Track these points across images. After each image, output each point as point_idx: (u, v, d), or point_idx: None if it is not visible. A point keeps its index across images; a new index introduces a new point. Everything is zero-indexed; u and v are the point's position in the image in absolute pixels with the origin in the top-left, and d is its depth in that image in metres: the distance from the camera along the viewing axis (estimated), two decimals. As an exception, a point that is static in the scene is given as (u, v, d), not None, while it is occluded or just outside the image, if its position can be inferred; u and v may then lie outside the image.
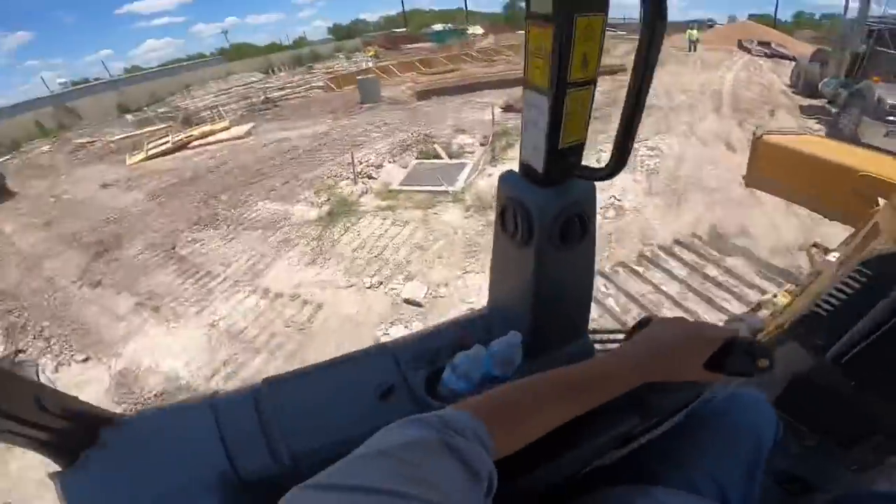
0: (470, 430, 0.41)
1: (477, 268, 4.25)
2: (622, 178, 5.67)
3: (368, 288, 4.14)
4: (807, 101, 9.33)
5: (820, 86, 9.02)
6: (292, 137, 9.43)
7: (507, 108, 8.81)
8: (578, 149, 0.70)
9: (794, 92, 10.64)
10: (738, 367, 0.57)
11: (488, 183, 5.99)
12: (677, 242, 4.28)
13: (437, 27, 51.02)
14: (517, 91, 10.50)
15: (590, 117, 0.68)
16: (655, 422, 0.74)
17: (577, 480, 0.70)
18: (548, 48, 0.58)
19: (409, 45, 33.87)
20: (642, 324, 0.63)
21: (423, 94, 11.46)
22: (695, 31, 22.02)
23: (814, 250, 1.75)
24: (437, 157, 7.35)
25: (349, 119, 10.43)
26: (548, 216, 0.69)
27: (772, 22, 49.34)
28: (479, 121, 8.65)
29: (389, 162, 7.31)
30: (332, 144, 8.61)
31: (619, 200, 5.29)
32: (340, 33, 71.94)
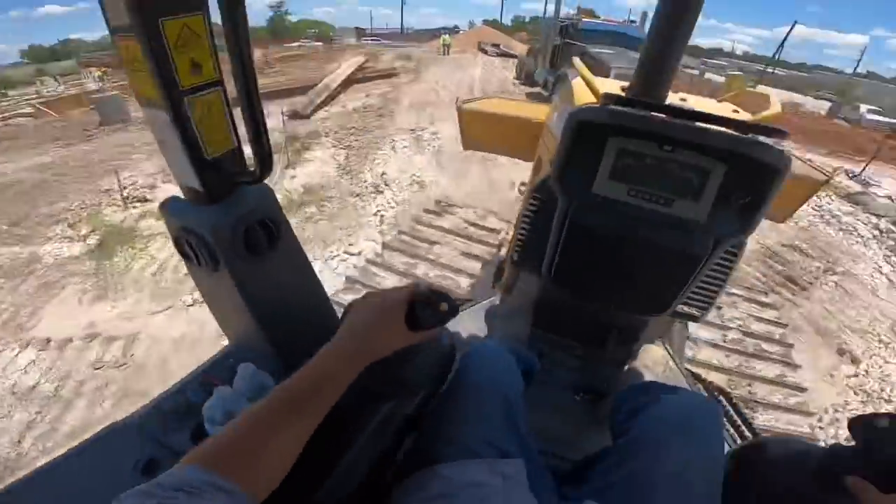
0: (203, 482, 0.39)
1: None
2: (419, 158, 6.72)
3: (191, 306, 3.89)
4: (529, 90, 12.02)
5: (535, 76, 11.65)
6: (7, 171, 7.51)
7: (294, 116, 8.92)
8: (233, 156, 0.68)
9: (520, 83, 13.43)
10: (429, 320, 0.59)
11: (296, 183, 6.17)
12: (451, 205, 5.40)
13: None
14: (302, 98, 10.69)
15: (233, 121, 0.67)
16: (420, 396, 0.73)
17: (369, 485, 0.67)
18: (142, 59, 0.55)
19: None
20: (344, 313, 0.62)
21: None
22: (447, 37, 25.45)
23: (522, 188, 2.03)
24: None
25: (89, 144, 8.81)
26: (224, 234, 0.68)
27: (499, 26, 60.87)
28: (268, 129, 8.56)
29: (165, 182, 6.64)
30: (75, 172, 7.19)
31: (418, 177, 6.23)
32: (42, 56, 56.59)
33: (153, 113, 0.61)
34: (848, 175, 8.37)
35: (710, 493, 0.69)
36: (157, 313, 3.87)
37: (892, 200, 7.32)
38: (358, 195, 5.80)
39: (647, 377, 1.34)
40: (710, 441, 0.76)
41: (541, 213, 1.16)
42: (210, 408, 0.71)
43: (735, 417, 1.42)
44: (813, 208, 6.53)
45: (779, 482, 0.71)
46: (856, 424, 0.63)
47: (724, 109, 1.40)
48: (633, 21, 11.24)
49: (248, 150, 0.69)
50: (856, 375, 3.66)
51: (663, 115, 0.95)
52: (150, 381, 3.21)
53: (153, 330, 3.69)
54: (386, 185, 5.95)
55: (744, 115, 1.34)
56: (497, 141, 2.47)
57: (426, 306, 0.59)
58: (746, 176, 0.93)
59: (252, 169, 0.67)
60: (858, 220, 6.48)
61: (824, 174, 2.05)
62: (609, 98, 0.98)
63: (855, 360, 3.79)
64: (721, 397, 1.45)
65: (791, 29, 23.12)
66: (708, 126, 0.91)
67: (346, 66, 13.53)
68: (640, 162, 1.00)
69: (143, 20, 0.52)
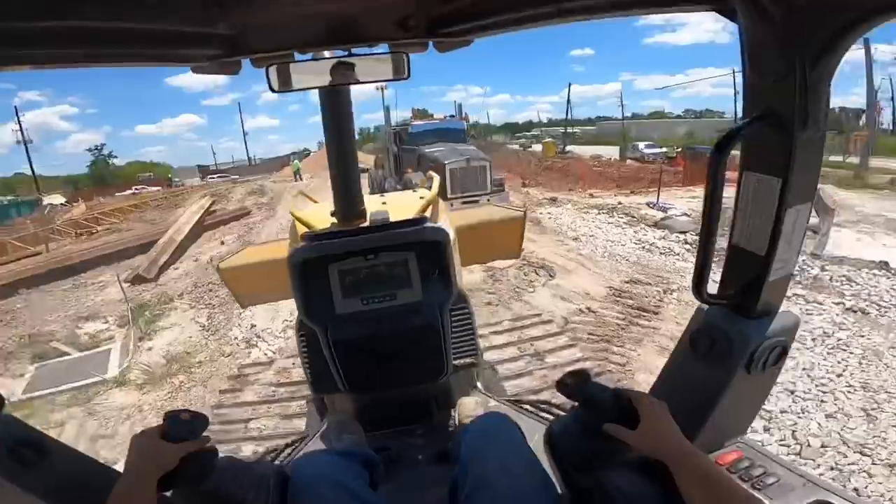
0: None
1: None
2: (289, 302, 6.31)
3: None
4: None
5: (385, 186, 12.07)
6: None
7: (137, 280, 7.97)
8: None
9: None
10: (181, 431, 0.70)
11: (155, 356, 5.41)
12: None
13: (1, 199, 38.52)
14: (138, 260, 9.65)
15: None
16: None
17: None
18: None
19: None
20: None
21: (8, 287, 8.50)
22: (298, 163, 26.03)
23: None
24: (64, 353, 5.86)
25: None
26: None
27: (346, 143, 65.02)
28: (106, 302, 7.44)
29: None
30: None
31: (292, 320, 5.87)
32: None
33: None
34: (650, 206, 10.43)
35: (531, 471, 0.85)
36: None
37: (688, 216, 9.20)
38: (230, 354, 5.24)
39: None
40: (511, 436, 0.95)
41: (310, 344, 1.37)
42: None
43: (549, 411, 1.61)
44: (635, 243, 7.89)
45: (568, 449, 0.82)
46: (559, 389, 0.78)
47: (414, 197, 1.87)
48: (451, 115, 12.38)
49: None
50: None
51: (354, 236, 1.25)
52: None
53: None
54: (258, 336, 5.52)
55: (427, 196, 1.76)
56: (266, 288, 2.34)
57: (174, 423, 0.70)
58: (428, 254, 1.25)
59: None
60: (670, 241, 7.90)
61: (520, 211, 2.57)
62: (309, 236, 1.26)
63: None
64: (520, 406, 1.69)
65: (569, 91, 30.12)
66: (388, 231, 1.23)
67: (190, 214, 12.85)
68: (358, 276, 1.27)
69: None
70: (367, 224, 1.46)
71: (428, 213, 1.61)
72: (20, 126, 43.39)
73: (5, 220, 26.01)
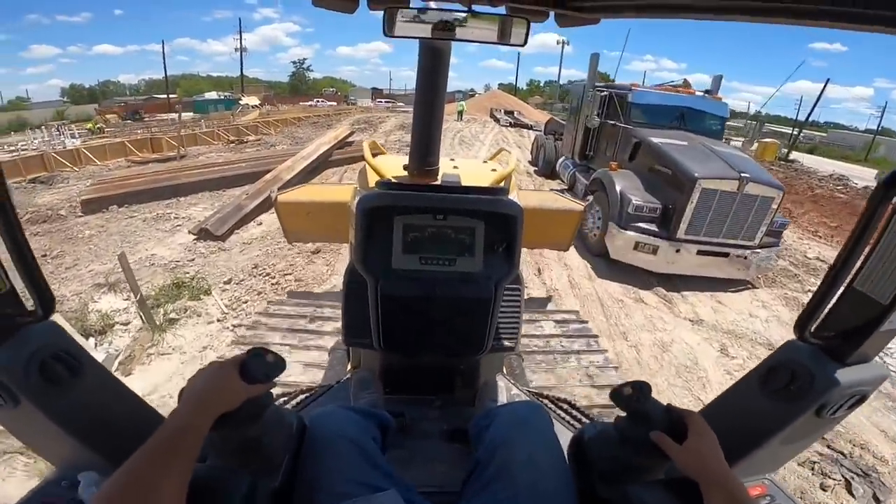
0: None
1: None
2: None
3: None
4: (549, 185, 8.59)
5: (557, 166, 8.14)
6: None
7: (202, 234, 5.78)
8: (8, 298, 0.65)
9: (536, 172, 10.03)
10: (259, 373, 0.67)
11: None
12: None
13: (211, 95, 45.31)
14: (235, 192, 7.62)
15: (1, 265, 0.64)
16: (282, 468, 0.78)
17: None
18: None
19: (161, 116, 27.94)
20: (181, 391, 0.65)
21: (100, 201, 7.32)
22: (463, 103, 23.32)
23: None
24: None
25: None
26: (16, 373, 0.65)
27: (513, 90, 60.01)
28: (155, 258, 5.45)
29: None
30: None
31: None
32: (80, 95, 57.60)
33: None
34: None
35: (558, 471, 0.82)
36: None
37: None
38: None
39: (492, 407, 1.43)
40: (544, 431, 0.90)
41: (357, 293, 1.25)
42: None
43: (571, 412, 1.53)
44: None
45: (603, 457, 0.82)
46: (613, 397, 0.75)
47: (486, 168, 1.74)
48: (706, 91, 6.34)
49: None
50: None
51: (431, 192, 1.15)
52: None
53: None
54: None
55: (499, 171, 1.62)
56: (317, 229, 2.41)
57: (255, 363, 0.67)
58: (498, 227, 1.16)
59: (33, 308, 0.67)
60: None
61: (581, 205, 2.44)
62: (384, 183, 1.18)
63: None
64: (547, 401, 1.59)
65: (824, 88, 19.78)
66: (464, 195, 1.13)
67: (317, 145, 10.59)
68: (422, 233, 1.17)
69: None
70: (435, 183, 1.33)
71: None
72: (240, 35, 49.75)
73: (206, 112, 29.14)
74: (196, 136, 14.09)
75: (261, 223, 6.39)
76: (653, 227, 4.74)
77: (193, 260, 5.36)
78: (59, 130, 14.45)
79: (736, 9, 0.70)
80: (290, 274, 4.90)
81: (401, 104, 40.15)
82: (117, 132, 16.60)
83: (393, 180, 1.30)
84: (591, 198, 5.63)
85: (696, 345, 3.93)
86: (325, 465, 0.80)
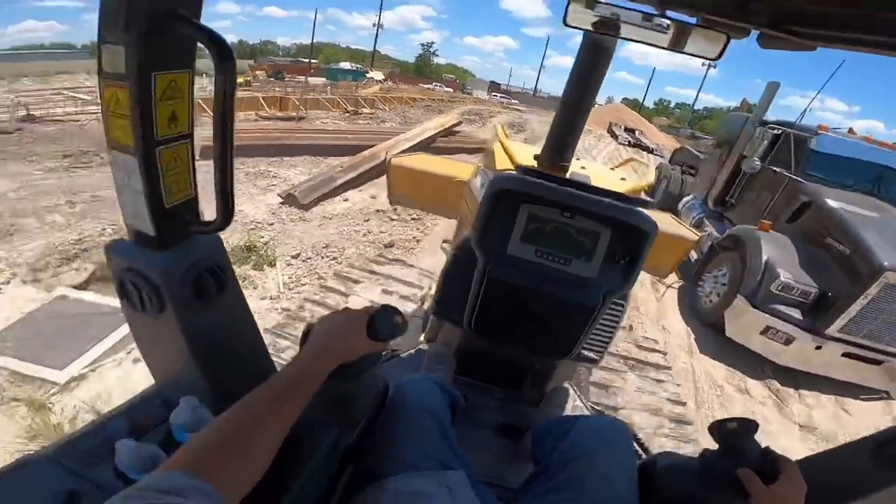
0: (191, 488, 0.37)
1: None
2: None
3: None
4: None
5: (680, 205, 6.71)
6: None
7: (290, 200, 5.74)
8: (190, 205, 0.67)
9: (652, 202, 8.98)
10: (386, 331, 0.66)
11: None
12: None
13: (345, 65, 48.63)
14: (334, 161, 7.59)
15: (195, 172, 0.66)
16: (359, 426, 0.78)
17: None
18: (127, 108, 0.56)
19: (300, 77, 30.43)
20: (307, 331, 0.65)
21: (212, 150, 7.89)
22: None
23: (444, 245, 1.97)
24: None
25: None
26: (174, 279, 0.65)
27: (638, 107, 55.43)
28: (240, 213, 5.50)
29: (25, 281, 3.70)
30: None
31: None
32: (244, 52, 65.73)
33: (122, 158, 0.60)
34: None
35: (630, 494, 0.79)
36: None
37: None
38: None
39: (559, 414, 1.46)
40: (625, 451, 0.87)
41: (461, 269, 1.22)
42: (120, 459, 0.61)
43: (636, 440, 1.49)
44: None
45: (673, 488, 0.81)
46: (713, 429, 0.73)
47: (615, 177, 1.75)
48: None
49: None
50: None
51: (566, 187, 1.09)
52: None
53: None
54: None
55: (630, 182, 1.68)
56: (424, 197, 2.46)
57: (384, 320, 0.66)
58: (626, 238, 1.10)
59: (211, 219, 0.65)
60: None
61: (695, 234, 2.35)
62: (522, 169, 1.15)
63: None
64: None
65: None
66: (598, 197, 1.08)
67: (420, 130, 10.33)
68: (545, 226, 1.12)
69: (141, 73, 0.54)
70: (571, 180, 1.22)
71: None
72: (380, 11, 52.60)
73: (336, 80, 31.06)
74: (319, 100, 14.78)
75: (346, 199, 6.23)
76: (796, 315, 3.54)
77: (273, 224, 5.31)
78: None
79: None
80: (356, 263, 4.61)
81: (515, 102, 39.18)
82: (261, 87, 18.17)
83: (530, 166, 1.26)
84: (720, 255, 4.48)
85: (799, 456, 2.86)
86: (404, 432, 0.79)
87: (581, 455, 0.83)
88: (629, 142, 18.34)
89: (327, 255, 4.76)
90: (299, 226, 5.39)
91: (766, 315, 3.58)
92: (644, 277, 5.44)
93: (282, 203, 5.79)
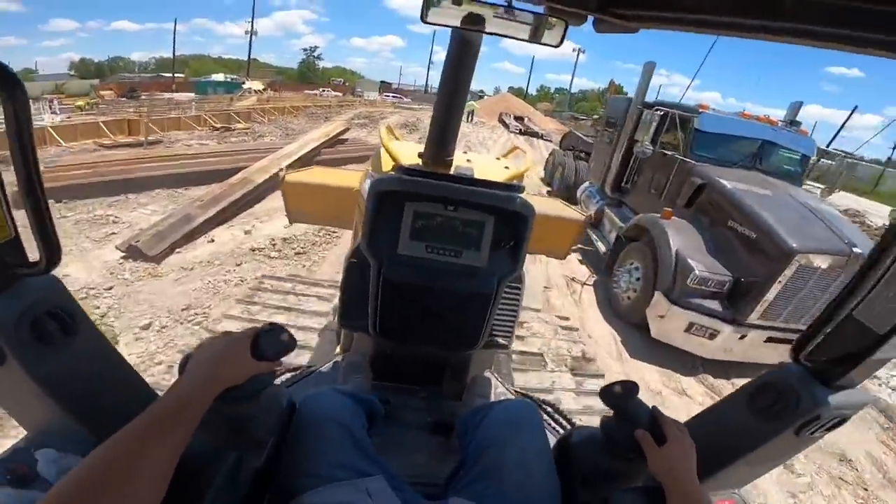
0: None
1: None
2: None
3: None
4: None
5: (578, 193, 6.66)
6: None
7: (130, 252, 4.45)
8: (11, 245, 0.63)
9: (549, 193, 8.51)
10: (271, 350, 0.65)
11: None
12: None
13: (218, 77, 43.89)
14: (197, 192, 6.31)
15: (9, 209, 0.61)
16: (267, 446, 0.76)
17: None
18: None
19: (163, 95, 26.57)
20: (186, 359, 0.63)
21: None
22: (474, 103, 22.10)
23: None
24: None
25: None
26: (6, 326, 0.61)
27: (523, 94, 58.57)
28: (67, 279, 4.09)
29: None
30: None
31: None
32: (88, 70, 56.11)
33: None
34: None
35: (547, 473, 0.82)
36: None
37: None
38: None
39: (482, 403, 1.42)
40: (536, 432, 0.90)
41: (358, 276, 1.25)
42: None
43: (554, 416, 1.52)
44: None
45: (584, 460, 0.84)
46: (602, 395, 0.78)
47: (500, 165, 1.79)
48: (791, 122, 4.90)
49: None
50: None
51: (444, 182, 1.12)
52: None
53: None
54: None
55: (512, 169, 1.73)
56: (321, 211, 2.43)
57: (269, 339, 0.65)
58: (508, 224, 1.14)
59: (35, 260, 0.64)
60: None
61: (582, 215, 2.46)
62: (401, 168, 1.17)
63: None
64: (525, 398, 1.58)
65: (850, 116, 17.84)
66: (477, 188, 1.11)
67: (304, 142, 9.22)
68: (431, 222, 1.14)
69: None
70: (451, 174, 1.27)
71: None
72: (252, 16, 48.84)
73: (206, 94, 27.71)
74: (180, 119, 12.69)
75: (212, 240, 5.07)
76: (715, 307, 3.46)
77: (112, 288, 4.04)
78: (49, 104, 12.96)
79: (783, 30, 0.69)
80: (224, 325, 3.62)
81: (407, 100, 38.71)
82: (109, 109, 15.19)
83: (409, 166, 1.29)
84: (626, 248, 4.35)
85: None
86: (313, 446, 0.79)
87: (495, 443, 0.85)
88: (520, 130, 18.87)
89: (188, 318, 3.71)
90: (149, 284, 4.19)
91: (689, 312, 3.45)
92: (558, 280, 5.21)
93: (124, 257, 4.49)
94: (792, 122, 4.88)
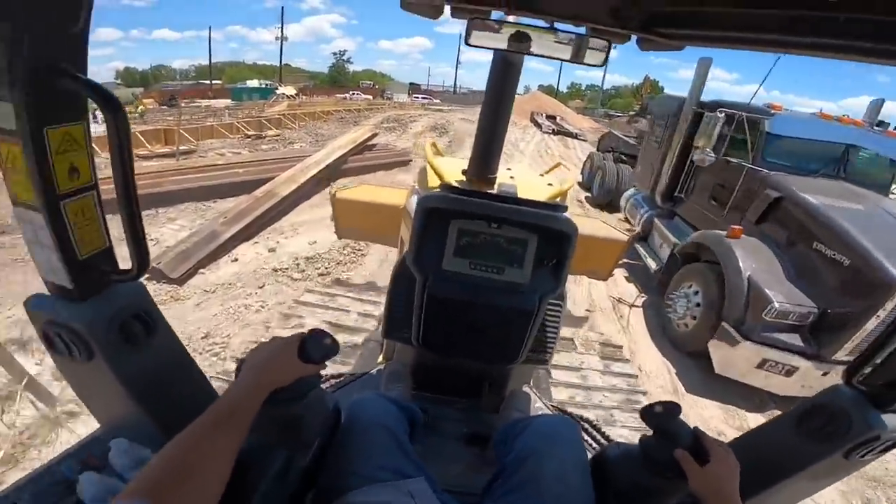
0: None
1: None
2: None
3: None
4: (605, 219, 6.54)
5: (622, 201, 6.08)
6: None
7: (152, 274, 4.31)
8: (105, 255, 0.69)
9: (588, 199, 8.03)
10: (318, 353, 0.68)
11: None
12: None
13: (252, 83, 45.24)
14: (225, 205, 6.19)
15: (105, 222, 0.67)
16: (314, 447, 0.79)
17: None
18: (23, 164, 0.56)
19: (201, 101, 27.52)
20: (240, 363, 0.67)
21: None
22: None
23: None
24: None
25: None
26: (98, 328, 0.67)
27: (554, 92, 57.16)
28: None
29: None
30: None
31: None
32: (133, 79, 59.11)
33: (28, 214, 0.61)
34: None
35: (584, 487, 0.81)
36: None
37: None
38: None
39: (519, 417, 1.44)
40: (576, 447, 0.90)
41: (404, 289, 1.28)
42: (84, 491, 0.67)
43: (591, 431, 1.53)
44: None
45: (622, 477, 0.83)
46: (643, 415, 0.76)
47: (543, 182, 1.78)
48: (881, 123, 4.15)
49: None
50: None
51: (489, 200, 1.15)
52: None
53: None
54: None
55: (556, 186, 1.71)
56: (369, 228, 2.50)
57: (314, 343, 0.69)
58: (551, 242, 1.16)
59: (128, 267, 0.67)
60: None
61: (625, 235, 2.50)
62: (445, 186, 1.21)
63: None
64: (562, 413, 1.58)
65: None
66: (520, 206, 1.13)
67: (331, 150, 9.02)
68: (476, 239, 1.17)
69: (30, 128, 0.54)
70: (493, 192, 1.30)
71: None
72: (281, 23, 49.89)
73: (241, 100, 28.44)
74: (213, 127, 12.87)
75: (236, 258, 4.88)
76: (797, 342, 2.92)
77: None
78: (93, 115, 13.52)
79: (832, 47, 0.69)
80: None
81: (436, 101, 38.48)
82: (147, 119, 15.70)
83: (454, 184, 1.32)
84: (682, 270, 3.81)
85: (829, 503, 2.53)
86: (359, 448, 0.81)
87: (534, 454, 0.85)
88: (553, 129, 18.16)
89: (207, 349, 3.49)
90: (171, 309, 4.02)
91: (762, 346, 2.91)
92: (603, 303, 4.70)
93: (146, 279, 4.35)
94: (879, 123, 4.14)
